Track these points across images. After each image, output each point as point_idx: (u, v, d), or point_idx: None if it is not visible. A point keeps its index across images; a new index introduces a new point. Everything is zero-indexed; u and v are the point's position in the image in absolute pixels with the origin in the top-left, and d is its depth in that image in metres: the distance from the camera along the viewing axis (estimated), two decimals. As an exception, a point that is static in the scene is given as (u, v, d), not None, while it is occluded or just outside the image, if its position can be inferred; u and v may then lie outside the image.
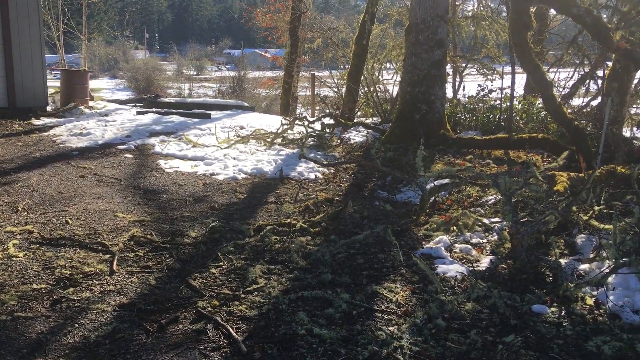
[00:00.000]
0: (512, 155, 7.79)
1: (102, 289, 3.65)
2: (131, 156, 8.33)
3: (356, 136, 10.34)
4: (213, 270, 4.03)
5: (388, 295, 3.61)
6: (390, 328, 3.15)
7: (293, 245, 4.57)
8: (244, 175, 7.37)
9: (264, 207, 5.98)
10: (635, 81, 10.66)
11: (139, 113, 12.73)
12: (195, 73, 38.79)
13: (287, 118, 11.26)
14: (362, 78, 12.47)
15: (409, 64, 8.30)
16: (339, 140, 9.60)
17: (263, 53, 36.08)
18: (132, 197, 6.12)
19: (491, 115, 10.22)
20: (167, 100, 15.74)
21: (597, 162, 6.21)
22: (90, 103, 13.53)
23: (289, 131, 9.91)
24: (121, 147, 8.89)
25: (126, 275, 3.92)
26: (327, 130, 9.60)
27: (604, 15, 8.62)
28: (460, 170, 5.02)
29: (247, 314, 3.31)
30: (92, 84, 19.74)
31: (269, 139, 9.39)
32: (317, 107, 15.78)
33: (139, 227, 5.04)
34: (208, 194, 6.39)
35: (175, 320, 3.21)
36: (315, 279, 3.85)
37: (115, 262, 4.06)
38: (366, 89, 12.88)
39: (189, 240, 4.73)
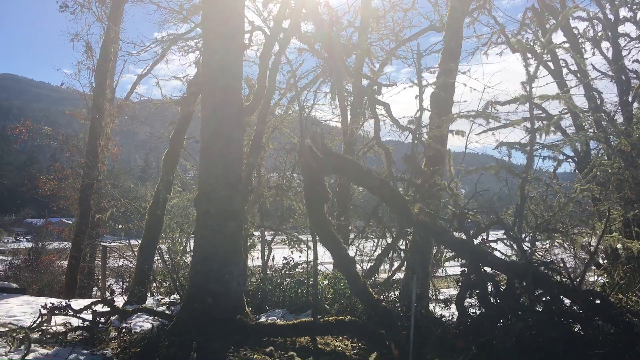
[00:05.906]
0: (319, 341, 6.70)
1: None
2: None
3: (145, 322, 8.57)
4: None
5: None
6: None
7: None
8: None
9: None
10: (434, 249, 10.80)
11: None
12: (-15, 246, 33.82)
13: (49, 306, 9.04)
14: (158, 251, 11.02)
15: (199, 238, 7.14)
16: (116, 332, 7.72)
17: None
18: None
19: (298, 291, 9.32)
20: None
21: (410, 351, 5.36)
22: None
23: (51, 323, 7.78)
24: None
25: None
26: (101, 320, 7.70)
27: (400, 189, 8.52)
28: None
29: None
30: None
31: (19, 335, 7.18)
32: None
33: None
34: None
35: None
36: None
37: None
38: (165, 263, 11.38)
39: None
